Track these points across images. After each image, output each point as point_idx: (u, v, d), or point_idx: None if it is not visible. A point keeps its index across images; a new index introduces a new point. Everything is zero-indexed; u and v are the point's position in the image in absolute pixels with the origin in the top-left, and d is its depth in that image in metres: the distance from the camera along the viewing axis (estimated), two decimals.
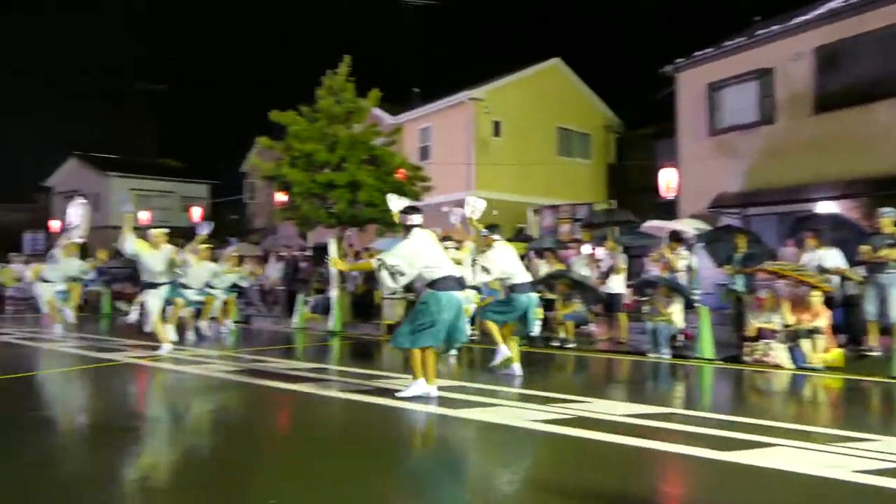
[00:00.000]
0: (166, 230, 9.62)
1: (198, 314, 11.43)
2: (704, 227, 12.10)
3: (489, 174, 20.50)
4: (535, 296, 7.62)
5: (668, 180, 14.39)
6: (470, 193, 20.21)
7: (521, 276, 7.64)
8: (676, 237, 10.17)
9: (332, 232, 15.21)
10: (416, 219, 5.90)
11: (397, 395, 5.88)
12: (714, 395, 6.83)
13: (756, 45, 15.10)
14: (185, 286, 10.47)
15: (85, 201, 19.21)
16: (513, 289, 7.69)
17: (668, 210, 15.68)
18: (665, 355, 8.74)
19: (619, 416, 5.29)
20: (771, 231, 13.04)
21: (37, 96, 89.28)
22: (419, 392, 5.83)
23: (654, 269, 10.45)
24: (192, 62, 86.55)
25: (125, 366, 8.24)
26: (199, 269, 11.06)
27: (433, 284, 5.80)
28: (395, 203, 6.29)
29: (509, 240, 10.12)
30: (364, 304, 14.43)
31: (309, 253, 18.37)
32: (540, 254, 13.30)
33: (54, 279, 12.35)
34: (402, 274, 5.75)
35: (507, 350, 7.40)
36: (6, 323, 14.65)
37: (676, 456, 4.21)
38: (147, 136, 42.40)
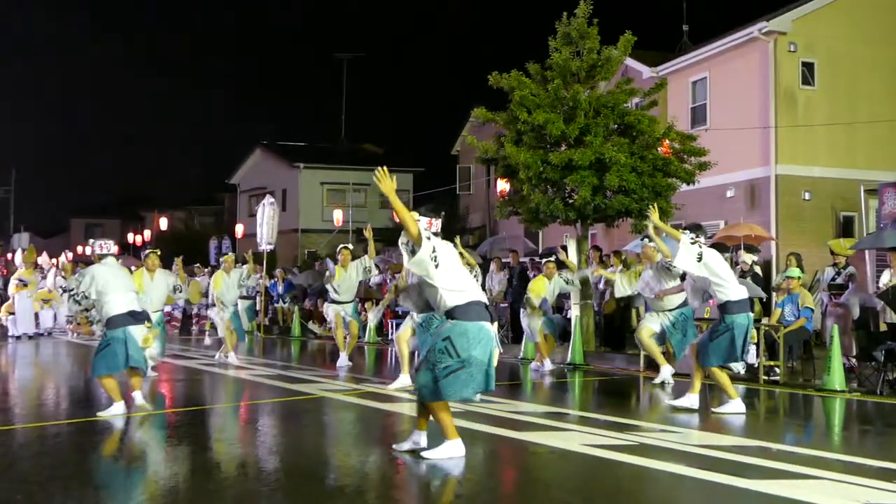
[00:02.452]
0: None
1: None
2: None
3: (797, 141, 19.17)
4: (751, 315, 7.95)
5: None
6: (768, 169, 19.12)
7: (737, 289, 7.81)
8: None
9: (572, 230, 15.30)
10: (437, 225, 6.12)
11: (423, 454, 5.90)
12: None
13: None
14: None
15: (272, 201, 21.46)
16: (725, 308, 7.82)
17: None
18: None
19: None
20: None
21: (213, 75, 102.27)
22: (454, 454, 5.85)
23: None
24: (391, 20, 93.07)
25: (319, 400, 9.09)
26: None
27: (454, 313, 5.80)
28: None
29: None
30: (615, 327, 14.32)
31: (541, 259, 18.67)
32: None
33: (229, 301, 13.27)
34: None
35: (741, 404, 7.92)
36: (191, 345, 16.96)
37: None
38: (339, 117, 46.15)
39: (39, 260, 24.08)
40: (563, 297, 14.38)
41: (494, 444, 6.64)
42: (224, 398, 10.01)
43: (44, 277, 21.36)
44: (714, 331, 7.97)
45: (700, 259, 7.77)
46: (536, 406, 8.59)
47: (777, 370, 10.47)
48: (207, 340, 14.60)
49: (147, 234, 41.41)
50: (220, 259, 13.22)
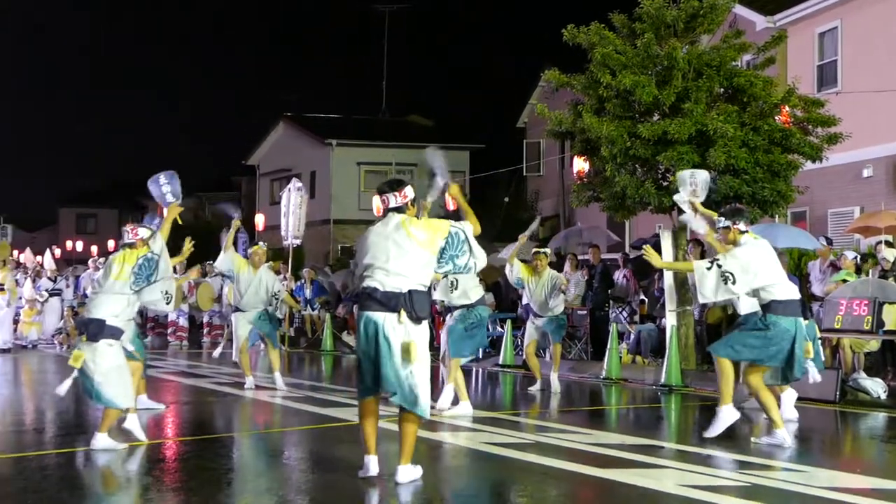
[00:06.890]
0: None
1: None
2: None
3: None
4: (804, 322, 8.13)
5: None
6: None
7: (785, 288, 8.04)
8: None
9: (666, 219, 15.18)
10: (391, 200, 6.52)
11: (360, 473, 6.52)
12: None
13: None
14: None
15: (300, 186, 21.62)
16: (768, 307, 8.04)
17: None
18: None
19: None
20: None
21: (227, 34, 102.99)
22: (367, 472, 6.44)
23: None
24: None
25: (356, 428, 9.11)
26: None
27: (358, 301, 6.63)
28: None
29: None
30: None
31: (630, 254, 18.56)
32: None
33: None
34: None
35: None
36: (202, 360, 17.24)
37: None
38: (380, 84, 46.28)
39: (22, 258, 24.65)
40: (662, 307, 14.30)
41: (571, 484, 6.64)
42: (240, 425, 10.14)
43: (27, 278, 21.84)
44: (751, 330, 8.16)
45: (728, 281, 7.86)
46: (623, 437, 8.52)
47: None
48: (216, 352, 14.71)
49: None
50: (248, 251, 12.84)
